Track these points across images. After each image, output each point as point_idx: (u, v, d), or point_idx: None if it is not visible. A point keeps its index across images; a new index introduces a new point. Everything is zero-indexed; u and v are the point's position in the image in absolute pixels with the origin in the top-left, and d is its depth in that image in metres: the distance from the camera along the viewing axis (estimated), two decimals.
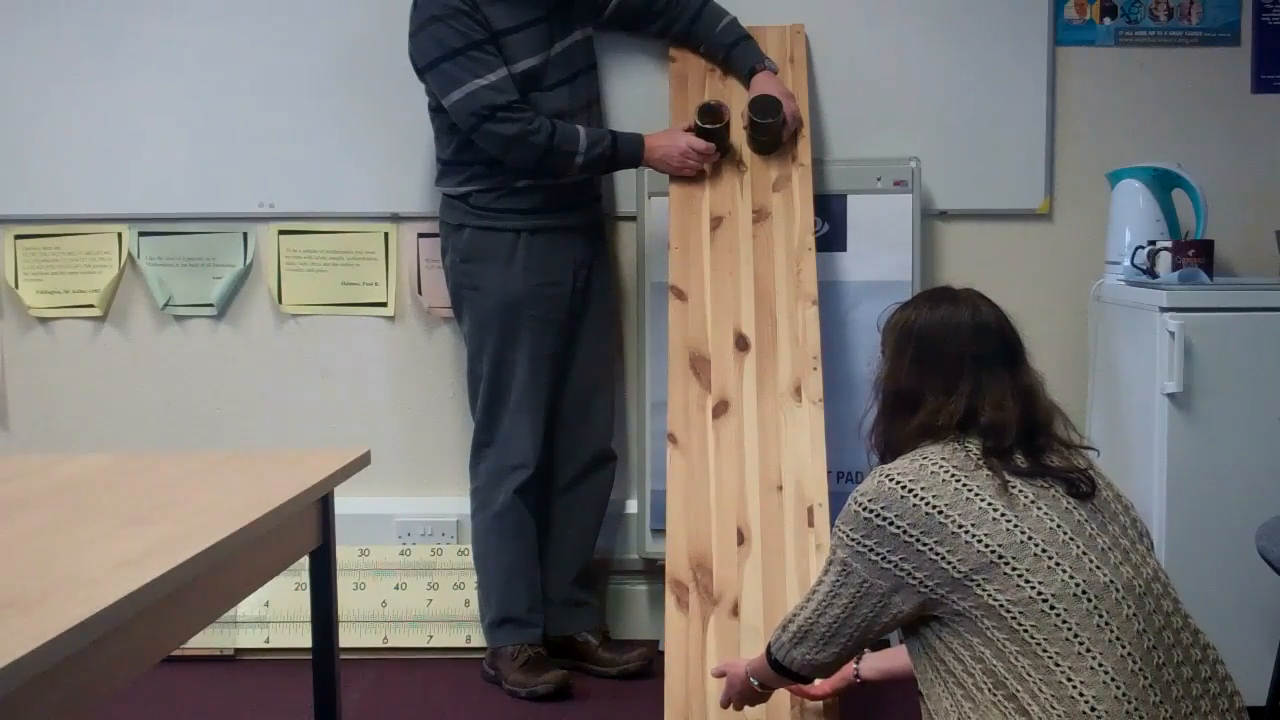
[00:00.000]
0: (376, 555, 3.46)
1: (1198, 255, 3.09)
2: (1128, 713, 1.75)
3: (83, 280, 3.59)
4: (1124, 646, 1.78)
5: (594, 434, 3.32)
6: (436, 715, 3.09)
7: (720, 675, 2.33)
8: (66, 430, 3.59)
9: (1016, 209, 3.48)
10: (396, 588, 3.44)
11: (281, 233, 3.56)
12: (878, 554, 1.86)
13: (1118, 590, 1.81)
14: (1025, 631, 1.78)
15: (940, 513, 1.83)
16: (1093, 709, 1.74)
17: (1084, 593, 1.79)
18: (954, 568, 1.81)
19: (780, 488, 2.81)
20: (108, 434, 3.56)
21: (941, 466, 1.86)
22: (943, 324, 1.97)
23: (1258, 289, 3.02)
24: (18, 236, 3.58)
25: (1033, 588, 1.78)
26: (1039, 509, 1.84)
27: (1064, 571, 1.79)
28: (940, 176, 3.42)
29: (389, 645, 3.41)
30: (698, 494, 2.83)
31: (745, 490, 2.83)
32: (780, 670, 2.09)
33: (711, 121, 3.12)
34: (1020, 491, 1.85)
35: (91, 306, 3.59)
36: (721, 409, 2.93)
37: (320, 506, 2.22)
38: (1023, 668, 1.78)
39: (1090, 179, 3.41)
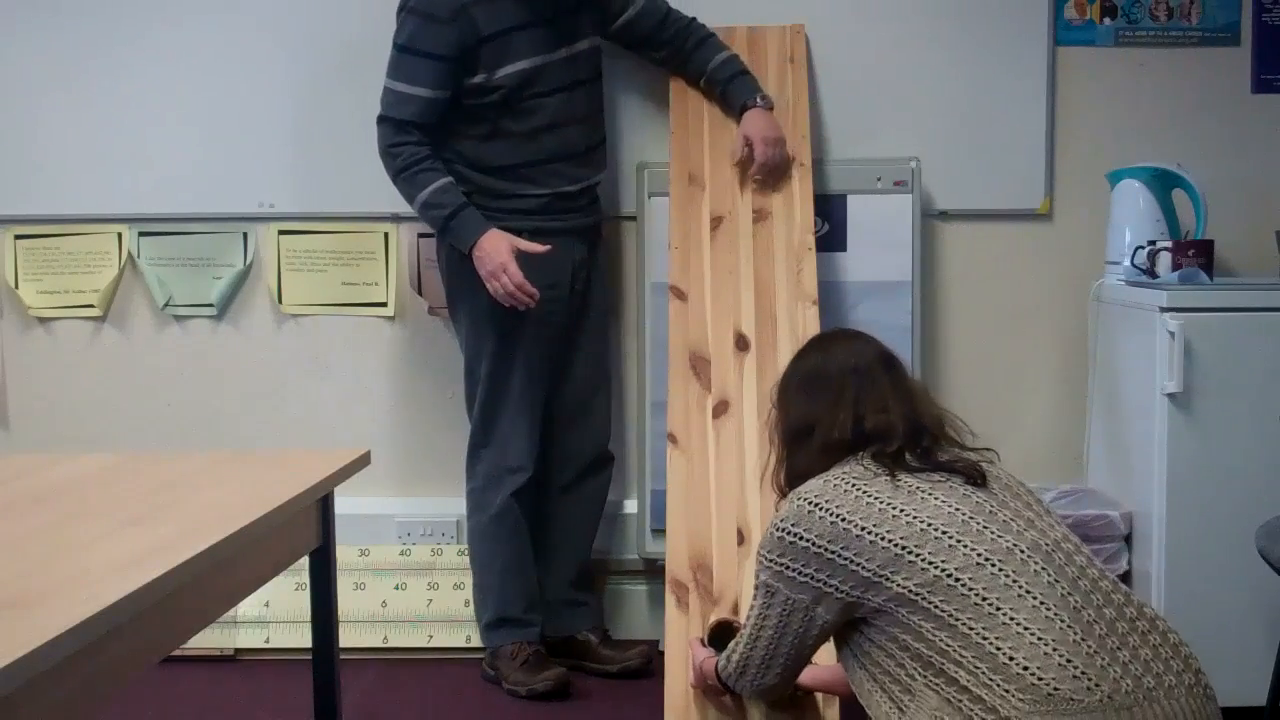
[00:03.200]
0: (376, 555, 3.46)
1: (1198, 255, 3.09)
2: (1048, 655, 1.77)
3: (83, 280, 3.59)
4: (1035, 598, 1.81)
5: (592, 436, 3.31)
6: (436, 715, 3.09)
7: (696, 663, 2.42)
8: (66, 430, 3.59)
9: (1016, 209, 3.48)
10: (396, 588, 3.45)
11: (281, 233, 3.56)
12: (794, 569, 1.96)
13: (1022, 551, 1.86)
14: (938, 609, 1.84)
15: (845, 520, 1.92)
16: (1018, 663, 1.77)
17: (986, 560, 1.85)
18: (863, 568, 1.90)
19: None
20: (108, 434, 3.56)
21: (843, 479, 1.97)
22: (817, 356, 2.14)
23: (1258, 289, 3.02)
24: (18, 236, 3.59)
25: (937, 568, 1.85)
26: (936, 498, 1.92)
27: (965, 546, 1.86)
28: (940, 176, 3.42)
29: (389, 645, 3.41)
30: (698, 494, 2.83)
31: (745, 490, 2.82)
32: (732, 693, 2.26)
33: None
34: (916, 487, 1.94)
35: (91, 306, 3.59)
36: (721, 409, 2.93)
37: (320, 506, 2.22)
38: (943, 643, 1.83)
39: (1090, 179, 3.41)
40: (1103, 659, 1.78)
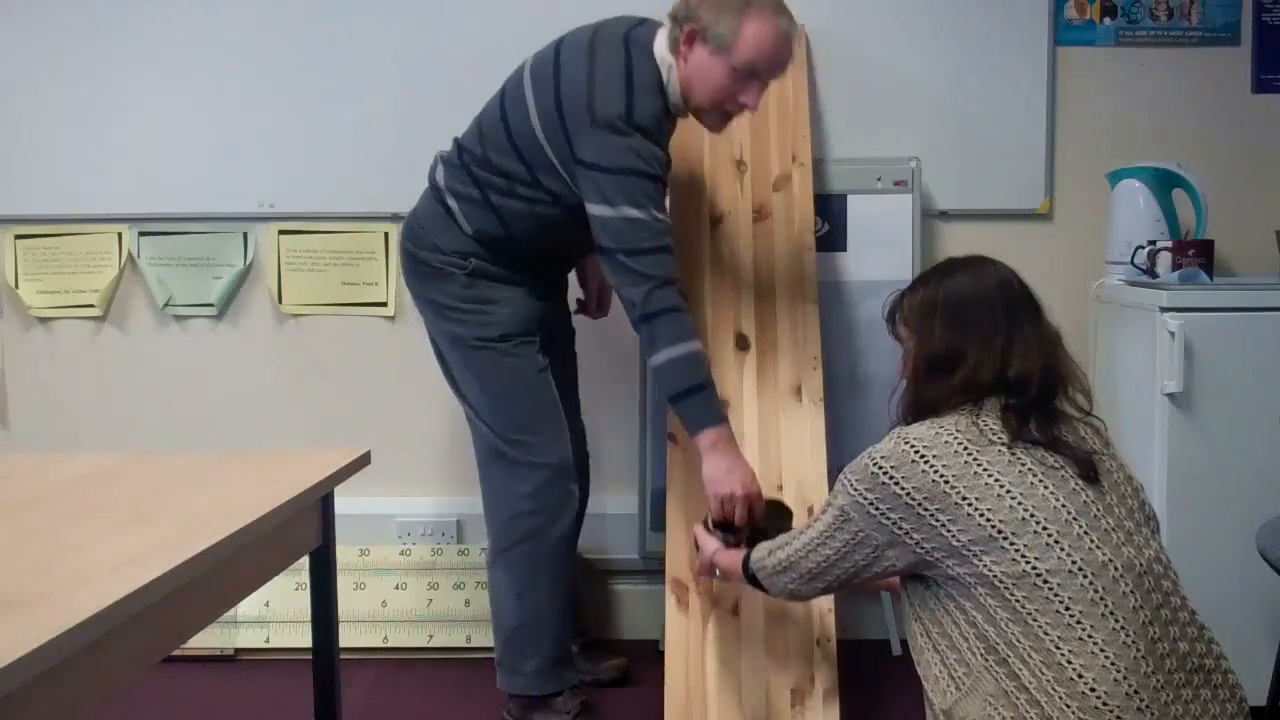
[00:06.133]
0: (376, 555, 3.46)
1: (1198, 255, 3.09)
2: (1116, 682, 1.76)
3: (83, 280, 3.59)
4: (1117, 620, 1.79)
5: (578, 455, 3.12)
6: (436, 715, 3.09)
7: (700, 554, 2.46)
8: (66, 430, 3.59)
9: (1016, 209, 3.48)
10: (396, 588, 3.45)
11: (281, 233, 3.56)
12: (878, 509, 1.91)
13: (1116, 569, 1.83)
14: (1018, 603, 1.81)
15: (948, 483, 1.86)
16: (1091, 689, 1.76)
17: (1080, 570, 1.81)
18: (954, 537, 1.85)
19: (780, 487, 2.81)
20: (108, 434, 3.56)
21: (956, 438, 1.89)
22: (968, 282, 2.01)
23: (1258, 289, 3.02)
24: (18, 236, 3.59)
25: (1029, 563, 1.81)
26: (1045, 487, 1.86)
27: (1062, 549, 1.82)
28: (940, 176, 3.43)
29: (389, 645, 3.41)
30: (698, 494, 2.83)
31: None
32: (753, 584, 2.21)
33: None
34: (1029, 468, 1.87)
35: (91, 306, 3.59)
36: (721, 409, 2.93)
37: (320, 506, 2.22)
38: (1014, 635, 1.81)
39: (1090, 179, 3.41)
40: (1168, 695, 1.79)
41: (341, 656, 2.39)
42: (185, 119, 3.52)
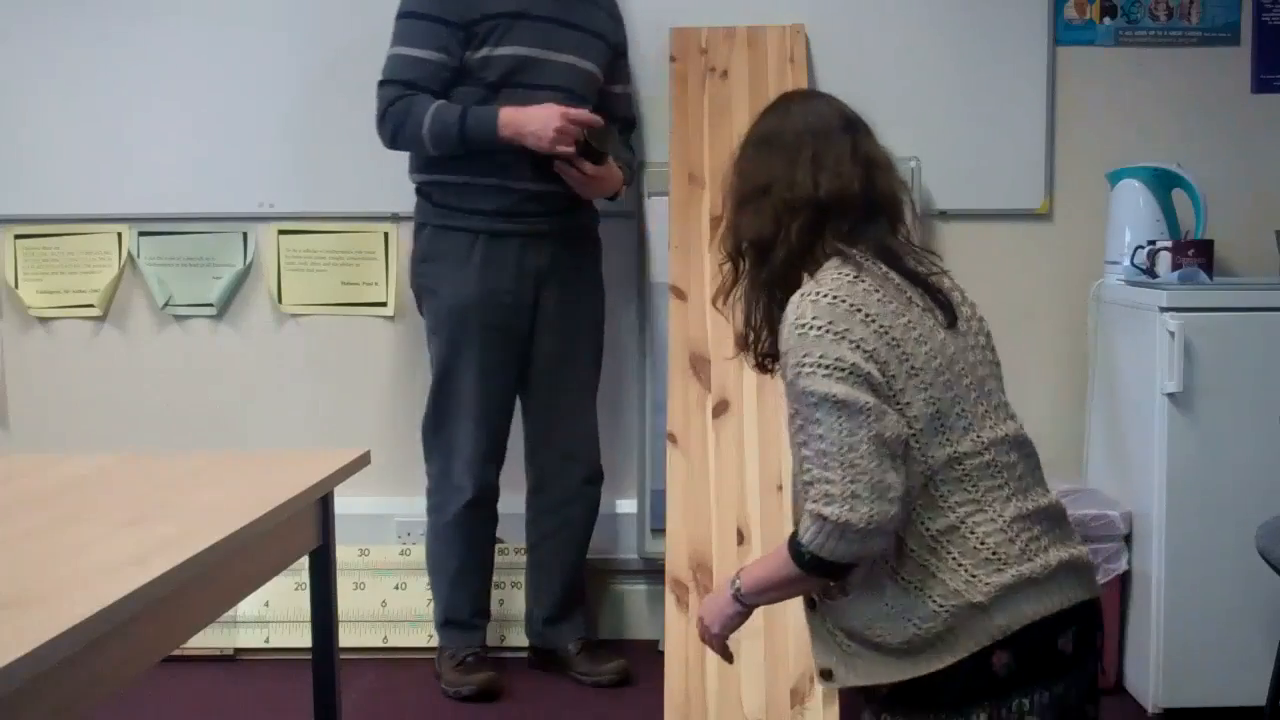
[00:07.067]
0: (376, 555, 3.46)
1: (1198, 255, 3.09)
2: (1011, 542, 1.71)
3: (83, 280, 3.59)
4: (1009, 489, 1.72)
5: (579, 456, 3.23)
6: (436, 715, 3.09)
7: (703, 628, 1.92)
8: (66, 430, 3.59)
9: (1016, 209, 3.48)
10: (396, 588, 3.44)
11: (281, 233, 3.56)
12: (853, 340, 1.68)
13: (1008, 441, 1.76)
14: (941, 493, 1.71)
15: (894, 343, 1.70)
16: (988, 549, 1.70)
17: (984, 449, 1.73)
18: (902, 412, 1.68)
19: (780, 487, 2.81)
20: (108, 434, 3.56)
21: (860, 281, 1.72)
22: (774, 119, 1.88)
23: (1258, 289, 3.02)
24: (18, 236, 3.58)
25: (951, 447, 1.71)
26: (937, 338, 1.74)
27: (973, 430, 1.73)
28: (940, 176, 3.42)
29: (389, 645, 3.41)
30: (698, 494, 2.83)
31: (745, 490, 2.83)
32: (819, 568, 1.69)
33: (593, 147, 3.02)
34: (923, 314, 1.74)
35: (91, 306, 3.59)
36: (721, 409, 2.93)
37: (320, 506, 2.22)
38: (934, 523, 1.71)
39: (1090, 179, 3.41)
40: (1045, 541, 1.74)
41: (341, 656, 2.39)
42: (185, 119, 3.52)
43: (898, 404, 1.68)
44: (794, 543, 1.71)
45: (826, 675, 1.83)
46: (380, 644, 3.41)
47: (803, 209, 1.77)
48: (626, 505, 3.47)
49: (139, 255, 3.58)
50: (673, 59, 3.36)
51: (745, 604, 1.84)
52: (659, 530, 3.24)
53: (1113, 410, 3.21)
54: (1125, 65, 3.46)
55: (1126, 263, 3.18)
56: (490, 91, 3.06)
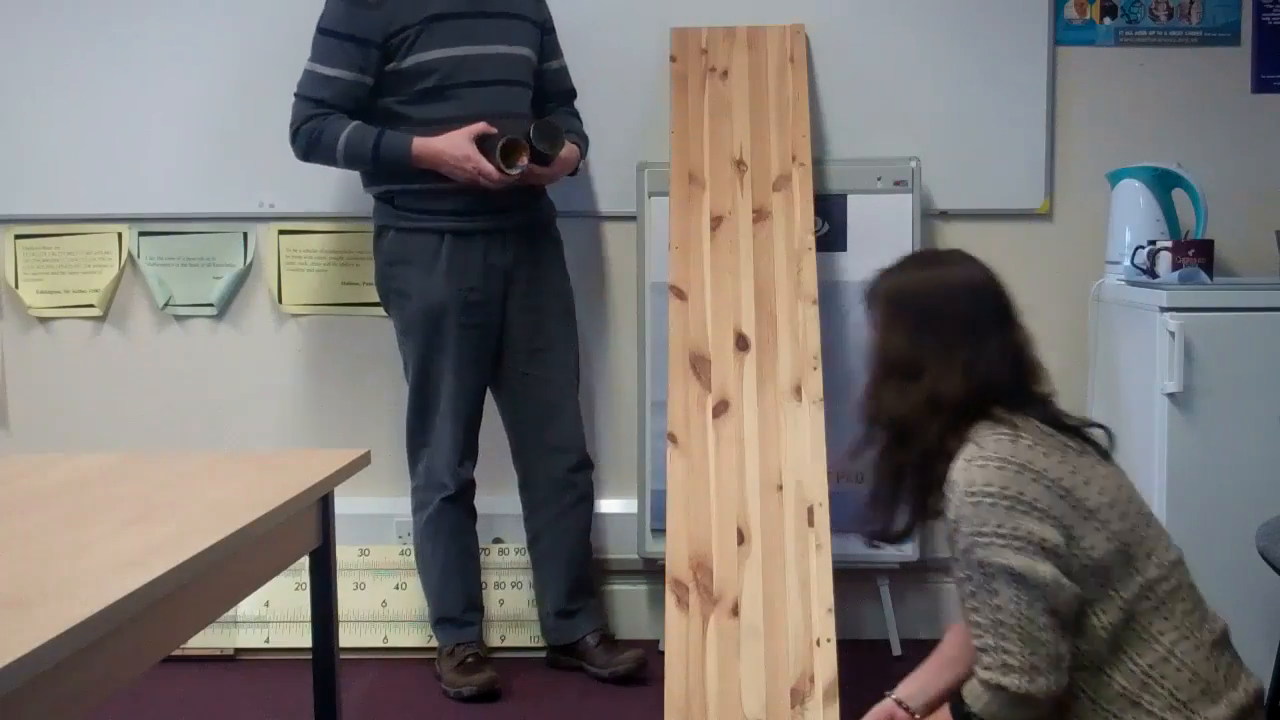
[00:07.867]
0: (376, 555, 3.46)
1: (1198, 255, 3.09)
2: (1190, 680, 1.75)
3: (83, 280, 3.59)
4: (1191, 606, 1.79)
5: (563, 445, 3.24)
6: (437, 715, 3.09)
7: None
8: (66, 430, 3.59)
9: (1016, 209, 3.48)
10: (396, 588, 3.44)
11: (281, 233, 3.56)
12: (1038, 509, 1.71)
13: (1177, 560, 1.81)
14: (1141, 625, 1.75)
15: (1065, 491, 1.74)
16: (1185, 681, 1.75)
17: (1167, 575, 1.79)
18: (1086, 554, 1.73)
19: (780, 487, 2.81)
20: (108, 434, 3.56)
21: (1026, 442, 1.76)
22: (936, 287, 1.90)
23: (1258, 289, 3.02)
24: (18, 236, 3.59)
25: (1142, 575, 1.75)
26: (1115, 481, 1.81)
27: (1154, 554, 1.78)
28: (940, 176, 3.42)
29: (389, 645, 3.41)
30: (698, 494, 2.83)
31: (745, 490, 2.83)
32: None
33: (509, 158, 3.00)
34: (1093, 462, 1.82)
35: (91, 306, 3.59)
36: (721, 409, 2.93)
37: (320, 506, 2.22)
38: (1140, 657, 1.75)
39: (1090, 179, 3.41)
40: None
41: (341, 656, 2.39)
42: (185, 119, 3.52)
43: (1081, 549, 1.71)
44: (959, 711, 1.76)
45: None
46: (380, 644, 3.41)
47: (949, 410, 1.80)
48: (626, 505, 3.47)
49: (139, 255, 3.58)
50: (673, 59, 3.36)
51: None
52: (659, 530, 3.24)
53: (1113, 410, 3.21)
54: (1125, 65, 3.46)
55: (1127, 263, 3.18)
56: (433, 97, 3.06)
